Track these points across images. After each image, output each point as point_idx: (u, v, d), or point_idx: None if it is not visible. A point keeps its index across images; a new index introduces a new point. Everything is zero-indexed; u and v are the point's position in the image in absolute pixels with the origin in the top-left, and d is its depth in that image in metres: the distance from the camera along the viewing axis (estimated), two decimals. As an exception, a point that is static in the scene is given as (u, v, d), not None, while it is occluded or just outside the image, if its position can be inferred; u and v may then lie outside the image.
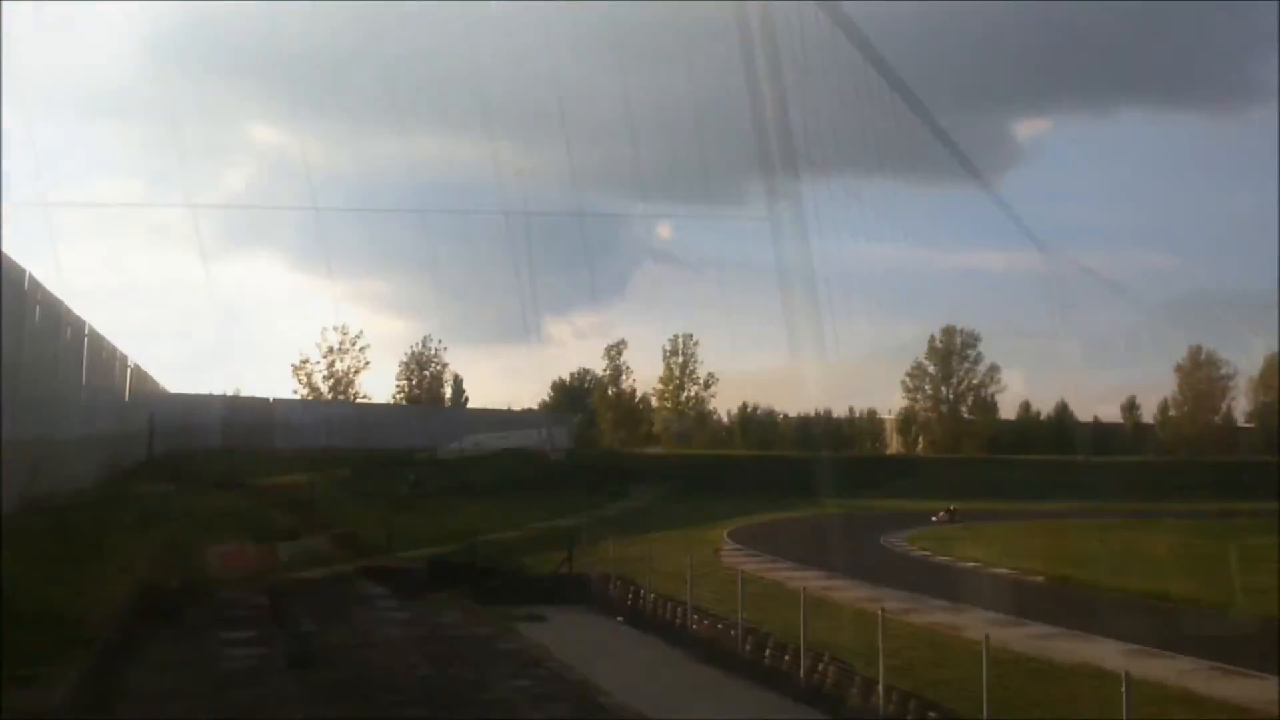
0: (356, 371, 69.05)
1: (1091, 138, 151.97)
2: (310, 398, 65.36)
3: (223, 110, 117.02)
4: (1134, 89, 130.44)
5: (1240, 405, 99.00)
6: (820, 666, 16.74)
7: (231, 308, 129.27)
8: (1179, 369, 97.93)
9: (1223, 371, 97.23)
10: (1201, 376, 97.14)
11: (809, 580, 25.48)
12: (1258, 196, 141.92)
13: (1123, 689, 11.30)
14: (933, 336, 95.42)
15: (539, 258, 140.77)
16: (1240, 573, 29.74)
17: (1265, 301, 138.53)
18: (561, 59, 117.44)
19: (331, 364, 68.35)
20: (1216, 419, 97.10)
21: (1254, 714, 14.31)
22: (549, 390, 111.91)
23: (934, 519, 43.19)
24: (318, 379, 68.15)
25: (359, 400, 68.11)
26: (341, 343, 68.72)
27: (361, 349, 69.37)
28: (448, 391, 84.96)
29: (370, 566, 24.69)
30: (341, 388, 68.24)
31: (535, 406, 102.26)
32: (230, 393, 57.16)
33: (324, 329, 69.92)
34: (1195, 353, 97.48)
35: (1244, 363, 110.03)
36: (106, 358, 19.44)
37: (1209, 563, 32.73)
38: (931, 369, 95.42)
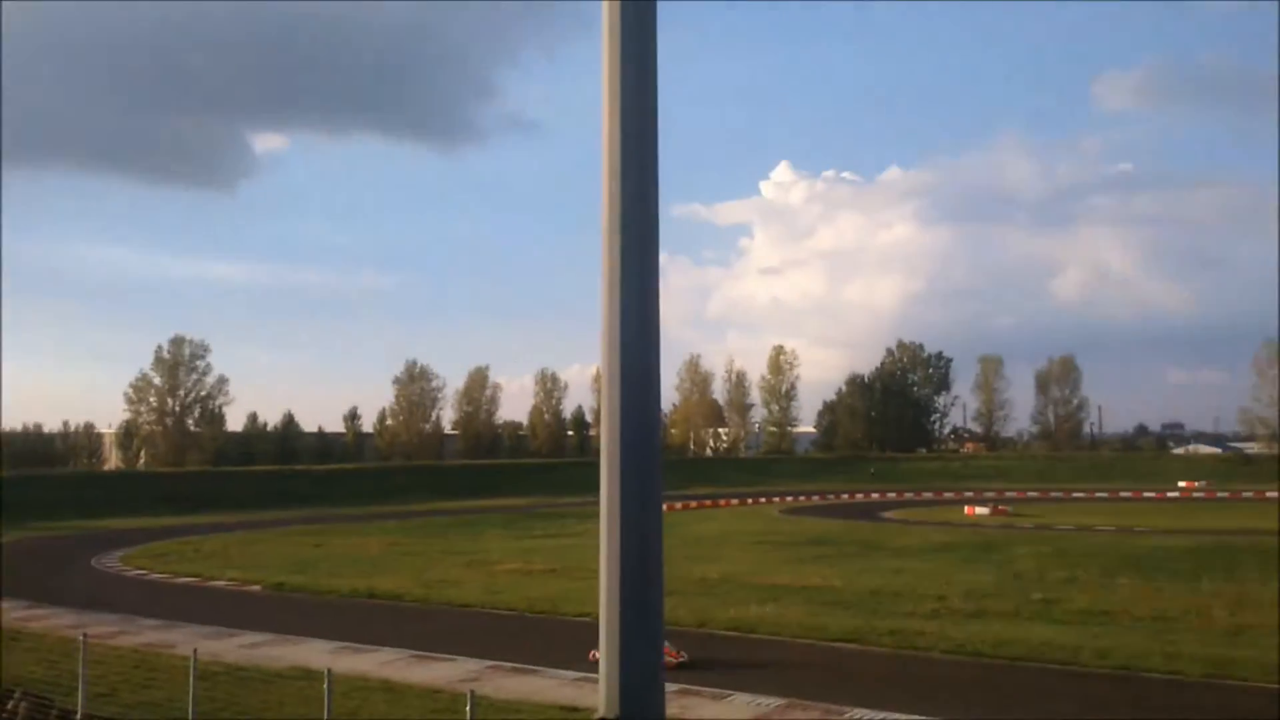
0: None
1: (329, 158, 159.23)
2: None
3: None
4: (370, 118, 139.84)
5: (448, 415, 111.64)
6: (11, 704, 15.44)
7: None
8: (396, 381, 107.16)
9: (434, 384, 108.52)
10: (415, 389, 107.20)
11: (5, 613, 23.22)
12: (475, 225, 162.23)
13: (325, 685, 12.31)
14: (160, 346, 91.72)
15: None
16: (438, 567, 33.75)
17: (472, 322, 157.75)
18: None
19: None
20: (428, 427, 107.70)
21: (443, 693, 16.41)
22: None
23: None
24: None
25: None
26: None
27: None
28: None
29: None
30: None
31: None
32: None
33: None
34: (411, 367, 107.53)
35: (451, 376, 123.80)
36: None
37: (412, 560, 36.48)
38: (158, 380, 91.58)
